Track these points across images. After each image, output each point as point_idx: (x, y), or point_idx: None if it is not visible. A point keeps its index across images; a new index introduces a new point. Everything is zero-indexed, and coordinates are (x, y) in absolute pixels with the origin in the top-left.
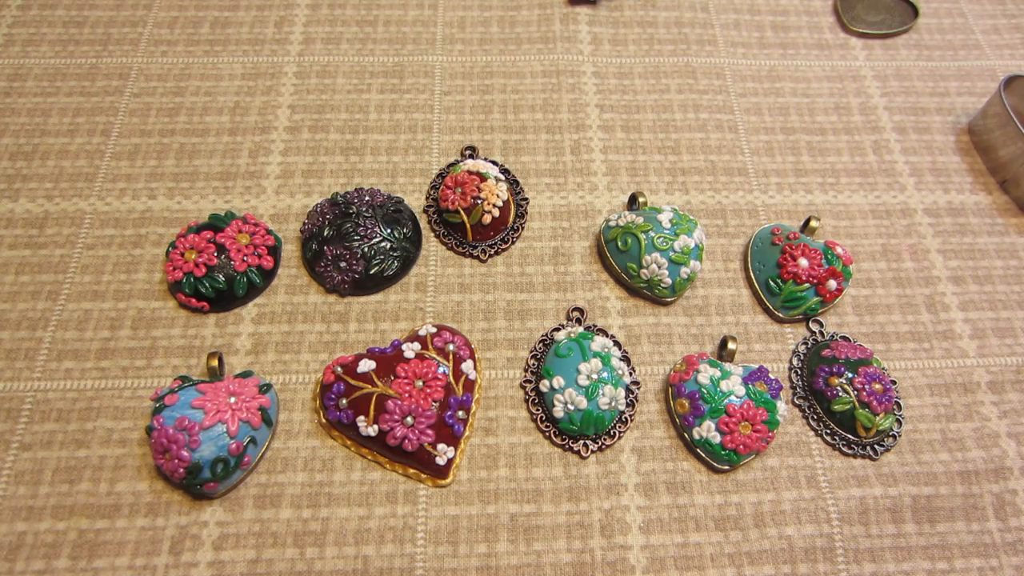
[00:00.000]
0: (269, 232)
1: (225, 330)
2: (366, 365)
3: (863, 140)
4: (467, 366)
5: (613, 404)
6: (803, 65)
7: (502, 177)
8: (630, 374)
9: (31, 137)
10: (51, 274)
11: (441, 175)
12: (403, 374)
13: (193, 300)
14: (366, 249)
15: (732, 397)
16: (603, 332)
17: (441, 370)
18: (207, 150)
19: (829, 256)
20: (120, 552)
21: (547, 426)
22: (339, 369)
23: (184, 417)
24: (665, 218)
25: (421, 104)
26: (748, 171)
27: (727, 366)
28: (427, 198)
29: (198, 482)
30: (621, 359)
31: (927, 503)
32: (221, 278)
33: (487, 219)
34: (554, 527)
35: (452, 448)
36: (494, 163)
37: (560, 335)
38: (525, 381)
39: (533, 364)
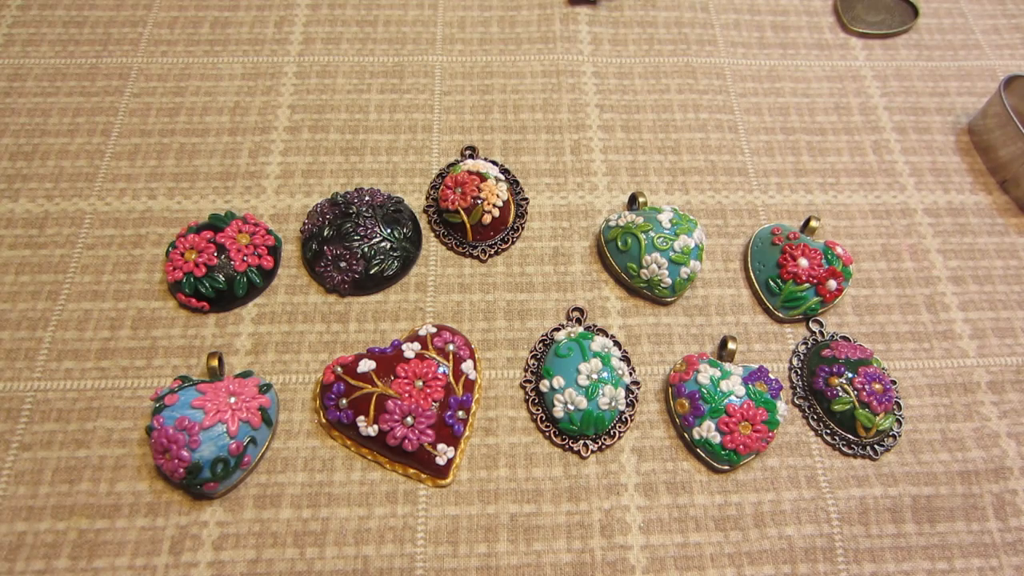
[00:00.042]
0: (269, 232)
1: (225, 330)
2: (366, 365)
3: (863, 140)
4: (467, 366)
5: (613, 404)
6: (803, 65)
7: (502, 177)
8: (630, 374)
9: (31, 137)
10: (51, 274)
11: (441, 175)
12: (403, 374)
13: (193, 300)
14: (366, 249)
15: (732, 397)
16: (603, 332)
17: (441, 370)
18: (207, 150)
19: (829, 256)
20: (120, 552)
21: (547, 426)
22: (339, 369)
23: (184, 417)
24: (665, 218)
25: (421, 104)
26: (748, 171)
27: (727, 366)
28: (427, 198)
29: (198, 482)
30: (621, 359)
31: (927, 503)
32: (221, 278)
33: (487, 219)
34: (554, 527)
35: (452, 448)
36: (494, 163)
37: (560, 335)
38: (525, 381)
39: (533, 364)
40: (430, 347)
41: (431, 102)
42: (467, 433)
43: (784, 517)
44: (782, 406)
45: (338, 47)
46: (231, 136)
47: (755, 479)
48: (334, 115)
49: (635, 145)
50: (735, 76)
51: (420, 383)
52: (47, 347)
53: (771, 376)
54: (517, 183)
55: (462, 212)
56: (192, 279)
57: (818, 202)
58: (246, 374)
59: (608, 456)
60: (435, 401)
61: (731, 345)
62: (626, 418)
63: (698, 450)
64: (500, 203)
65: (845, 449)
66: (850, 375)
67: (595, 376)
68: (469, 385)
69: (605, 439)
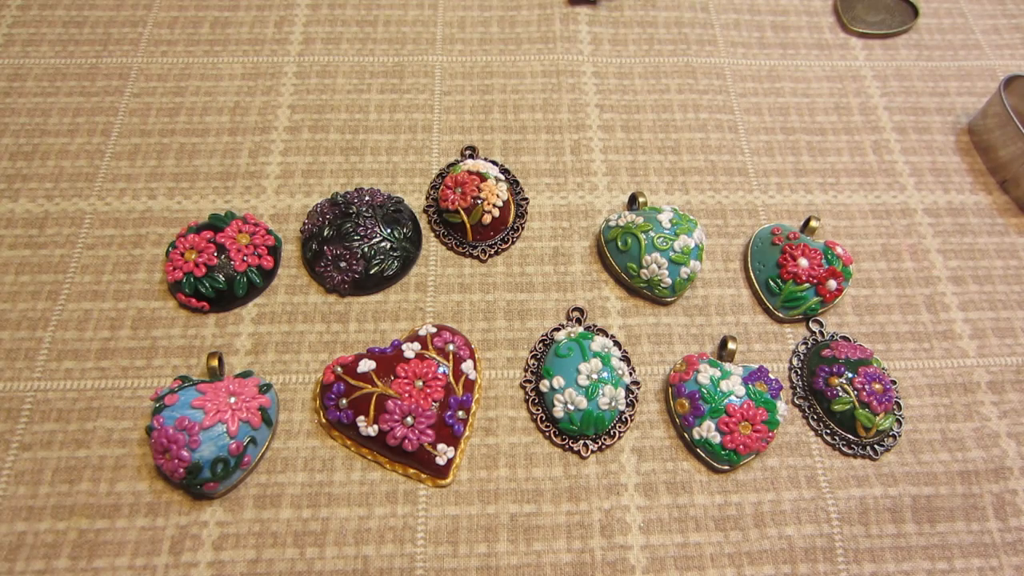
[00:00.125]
0: (269, 232)
1: (225, 330)
2: (366, 365)
3: (863, 140)
4: (467, 366)
5: (613, 404)
6: (803, 65)
7: (502, 177)
8: (630, 374)
9: (31, 137)
10: (51, 274)
11: (441, 175)
12: (403, 374)
13: (193, 300)
14: (366, 249)
15: (732, 397)
16: (603, 332)
17: (441, 370)
18: (207, 150)
19: (829, 256)
20: (120, 552)
21: (547, 426)
22: (339, 369)
23: (184, 417)
24: (665, 218)
25: (421, 104)
26: (748, 171)
27: (727, 366)
28: (427, 198)
29: (198, 482)
30: (621, 359)
31: (927, 503)
32: (221, 278)
33: (487, 219)
34: (554, 527)
35: (452, 448)
36: (494, 163)
37: (560, 335)
38: (525, 381)
39: (533, 364)
40: (430, 347)
41: (431, 102)
42: (467, 433)
43: (784, 517)
44: (782, 406)
45: (338, 47)
46: (231, 136)
47: (755, 479)
48: (334, 115)
49: (635, 145)
50: (735, 76)
51: (420, 383)
52: (47, 347)
53: (771, 376)
54: (517, 183)
55: (462, 212)
56: (192, 279)
57: (818, 202)
58: (246, 374)
59: (608, 456)
60: (435, 401)
61: (731, 345)
62: (626, 418)
63: (698, 450)
64: (500, 203)
65: (845, 449)
66: (850, 375)
67: (595, 376)
68: (469, 385)
69: (605, 439)
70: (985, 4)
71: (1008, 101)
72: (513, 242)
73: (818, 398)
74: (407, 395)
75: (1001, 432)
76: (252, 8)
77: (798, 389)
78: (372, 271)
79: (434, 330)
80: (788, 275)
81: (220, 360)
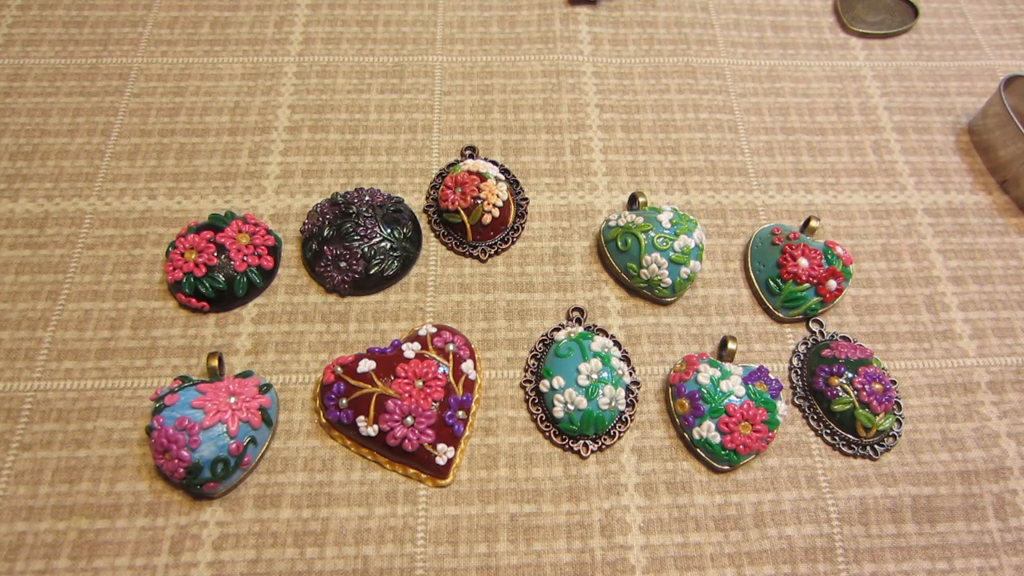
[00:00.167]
0: (269, 232)
1: (225, 330)
2: (366, 365)
3: (863, 140)
4: (467, 366)
5: (613, 404)
6: (803, 65)
7: (502, 177)
8: (630, 374)
9: (31, 137)
10: (51, 274)
11: (441, 175)
12: (403, 374)
13: (193, 300)
14: (366, 249)
15: (732, 397)
16: (603, 332)
17: (441, 370)
18: (207, 150)
19: (829, 256)
20: (120, 552)
21: (547, 426)
22: (339, 369)
23: (184, 417)
24: (665, 218)
25: (421, 104)
26: (748, 171)
27: (727, 366)
28: (427, 198)
29: (198, 482)
30: (621, 359)
31: (927, 503)
32: (221, 278)
33: (487, 219)
34: (554, 527)
35: (452, 448)
36: (494, 163)
37: (560, 335)
38: (525, 381)
39: (533, 364)
40: (430, 347)
41: (431, 102)
42: (467, 433)
43: (784, 517)
44: (782, 406)
45: (338, 47)
46: (231, 136)
47: (755, 479)
48: (334, 115)
49: (635, 145)
50: (735, 76)
51: (420, 383)
52: (47, 347)
53: (771, 376)
54: (517, 183)
55: (462, 212)
56: (192, 279)
57: (818, 202)
58: (246, 374)
59: (608, 456)
60: (435, 401)
61: (731, 345)
62: (626, 418)
63: (698, 450)
64: (500, 203)
65: (845, 449)
66: (850, 375)
67: (595, 376)
68: (469, 385)
69: (605, 439)
70: (985, 4)
71: (1008, 101)
72: (513, 242)
73: (818, 398)
74: (407, 395)
75: (1001, 432)
76: (252, 8)
77: (798, 389)
78: (372, 271)
79: (434, 330)
80: (788, 275)
81: (220, 360)
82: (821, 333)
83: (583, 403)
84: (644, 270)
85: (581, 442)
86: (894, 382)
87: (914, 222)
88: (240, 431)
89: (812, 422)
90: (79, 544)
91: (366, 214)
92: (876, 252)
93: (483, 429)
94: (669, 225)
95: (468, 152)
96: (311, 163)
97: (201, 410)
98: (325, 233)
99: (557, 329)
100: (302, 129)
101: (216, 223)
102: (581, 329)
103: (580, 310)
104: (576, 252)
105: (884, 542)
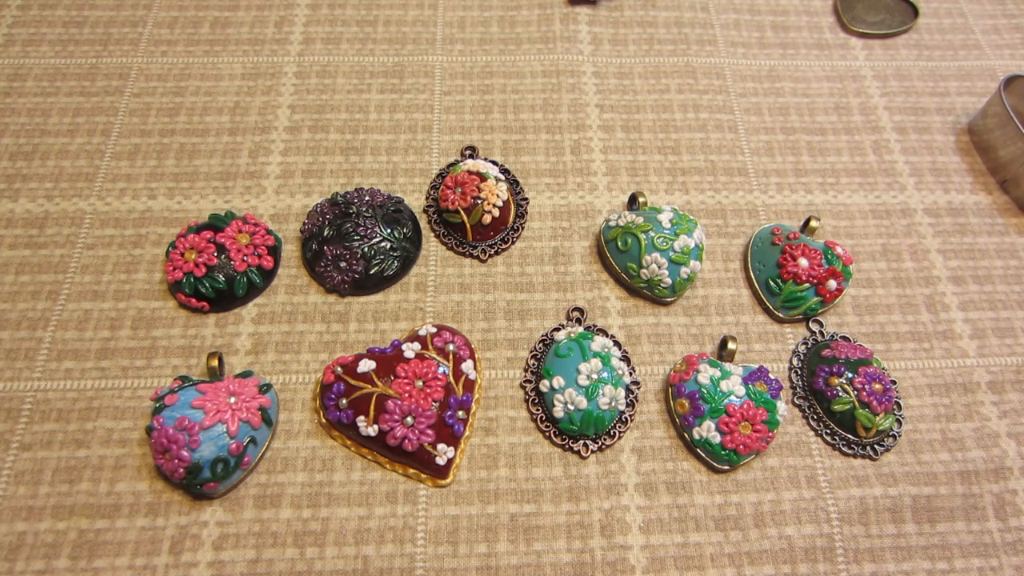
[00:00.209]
0: (269, 232)
1: (225, 330)
2: (366, 365)
3: (863, 140)
4: (467, 366)
5: (613, 404)
6: (803, 65)
7: (502, 177)
8: (630, 374)
9: (31, 137)
10: (51, 274)
11: (441, 175)
12: (403, 374)
13: (193, 300)
14: (366, 249)
15: (732, 397)
16: (603, 332)
17: (441, 370)
18: (207, 150)
19: (829, 256)
20: (120, 552)
21: (547, 426)
22: (339, 369)
23: (184, 417)
24: (665, 218)
25: (421, 104)
26: (748, 171)
27: (727, 366)
28: (427, 198)
29: (198, 482)
30: (621, 359)
31: (927, 503)
32: (221, 278)
33: (487, 219)
34: (554, 527)
35: (452, 448)
36: (494, 163)
37: (560, 335)
38: (525, 381)
39: (533, 364)
40: (430, 347)
41: (431, 102)
42: (467, 433)
43: (784, 517)
44: (782, 406)
45: (338, 47)
46: (231, 136)
47: (755, 479)
48: (334, 115)
49: (635, 145)
50: (735, 76)
51: (420, 383)
52: (47, 347)
53: (771, 376)
54: (517, 183)
55: (462, 212)
56: (192, 279)
57: (818, 202)
58: (246, 374)
59: (608, 456)
60: (435, 401)
61: (731, 345)
62: (626, 418)
63: (698, 450)
64: (500, 203)
65: (845, 449)
66: (850, 375)
67: (595, 376)
68: (469, 385)
69: (605, 439)
70: (985, 4)
71: (1008, 101)
72: (513, 242)
73: (818, 398)
74: (407, 395)
75: (1001, 432)
76: (252, 8)
77: (798, 389)
78: (372, 271)
79: (434, 330)
80: (788, 275)
81: (220, 360)
82: (821, 333)
83: (583, 403)
84: (644, 270)
85: (581, 442)
86: (894, 382)
87: (914, 222)
88: (240, 431)
89: (812, 422)
90: (79, 544)
91: (366, 214)
92: (876, 252)
93: (483, 429)
94: (669, 225)
95: (468, 152)
96: (311, 163)
97: (201, 410)
98: (325, 233)
99: (557, 329)
100: (302, 129)
101: (216, 223)
102: (581, 329)
103: (580, 310)
104: (576, 252)
105: (884, 542)
